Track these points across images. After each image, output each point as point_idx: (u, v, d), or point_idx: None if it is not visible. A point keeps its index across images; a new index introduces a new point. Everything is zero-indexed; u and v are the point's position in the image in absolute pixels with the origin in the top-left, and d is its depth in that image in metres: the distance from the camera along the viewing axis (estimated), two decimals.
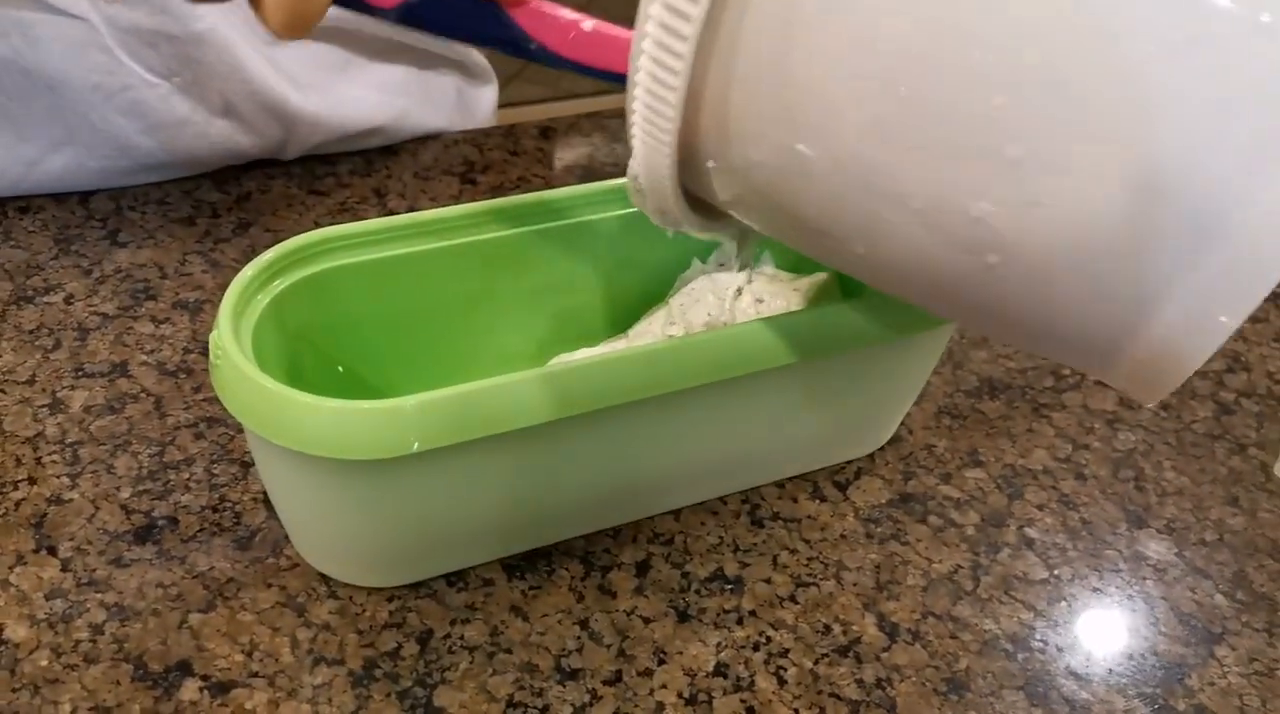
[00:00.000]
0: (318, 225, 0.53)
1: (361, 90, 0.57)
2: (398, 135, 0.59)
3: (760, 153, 0.27)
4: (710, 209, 0.31)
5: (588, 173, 0.61)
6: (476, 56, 0.63)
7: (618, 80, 0.29)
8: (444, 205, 0.49)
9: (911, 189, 0.25)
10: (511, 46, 0.32)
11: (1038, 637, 0.38)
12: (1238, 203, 0.22)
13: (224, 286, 0.49)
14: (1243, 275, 0.23)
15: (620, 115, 0.57)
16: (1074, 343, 0.26)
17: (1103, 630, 0.38)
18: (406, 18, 0.32)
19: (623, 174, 0.41)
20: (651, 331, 0.42)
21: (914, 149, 0.25)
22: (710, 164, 0.28)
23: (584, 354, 0.41)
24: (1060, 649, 0.37)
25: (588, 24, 0.32)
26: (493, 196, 0.48)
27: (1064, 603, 0.39)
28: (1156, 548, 0.42)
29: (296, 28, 0.30)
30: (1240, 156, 0.22)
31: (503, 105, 0.67)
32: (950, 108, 0.24)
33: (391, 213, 0.55)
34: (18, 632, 0.35)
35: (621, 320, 0.44)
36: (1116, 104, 0.23)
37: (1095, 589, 0.40)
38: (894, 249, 0.28)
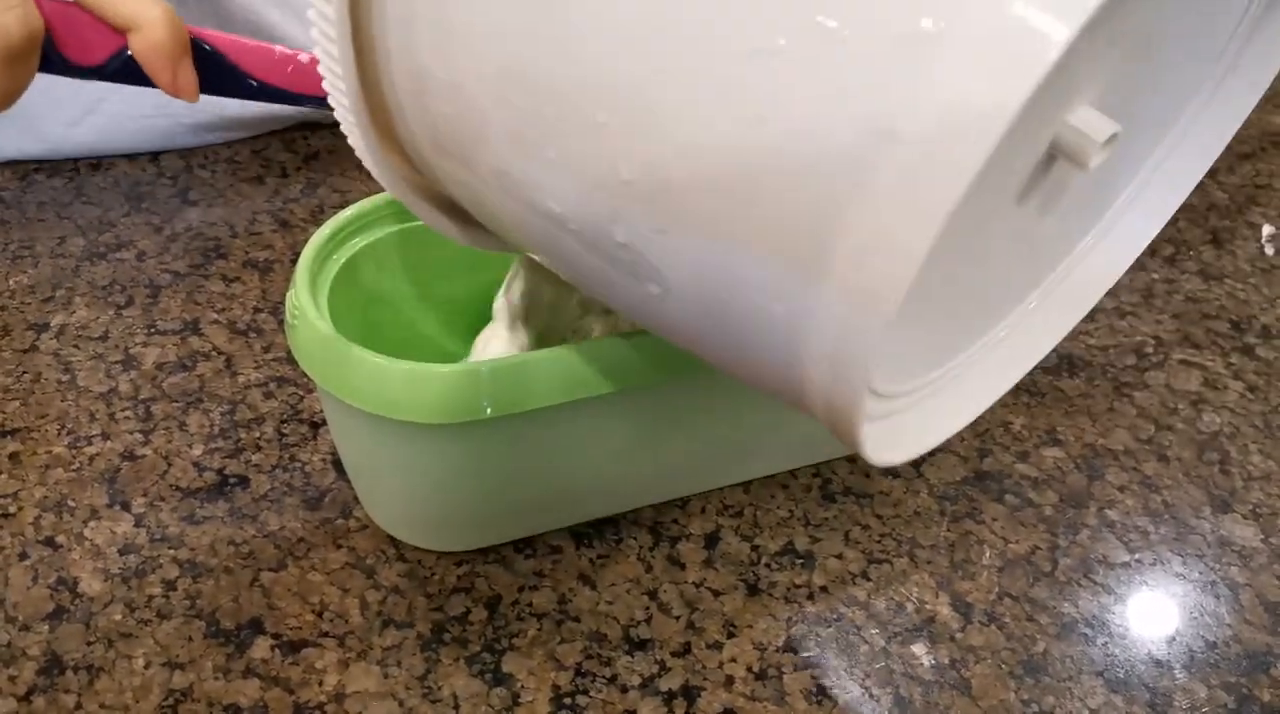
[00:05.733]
0: None
1: None
2: None
3: (449, 169, 0.26)
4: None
5: None
6: None
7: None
8: None
9: (560, 209, 0.23)
10: (234, 88, 0.34)
11: (1118, 621, 0.37)
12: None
13: (293, 246, 0.50)
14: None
15: None
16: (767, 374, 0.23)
17: (1185, 616, 0.37)
18: (120, 73, 0.33)
19: None
20: None
21: (545, 164, 0.23)
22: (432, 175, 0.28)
23: None
24: (1141, 634, 0.36)
25: (304, 56, 0.35)
26: None
27: (1145, 587, 0.38)
28: (1242, 533, 0.40)
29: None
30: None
31: None
32: (556, 120, 0.22)
33: None
34: (92, 585, 0.35)
35: None
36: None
37: (1178, 574, 0.39)
38: (582, 275, 0.25)
